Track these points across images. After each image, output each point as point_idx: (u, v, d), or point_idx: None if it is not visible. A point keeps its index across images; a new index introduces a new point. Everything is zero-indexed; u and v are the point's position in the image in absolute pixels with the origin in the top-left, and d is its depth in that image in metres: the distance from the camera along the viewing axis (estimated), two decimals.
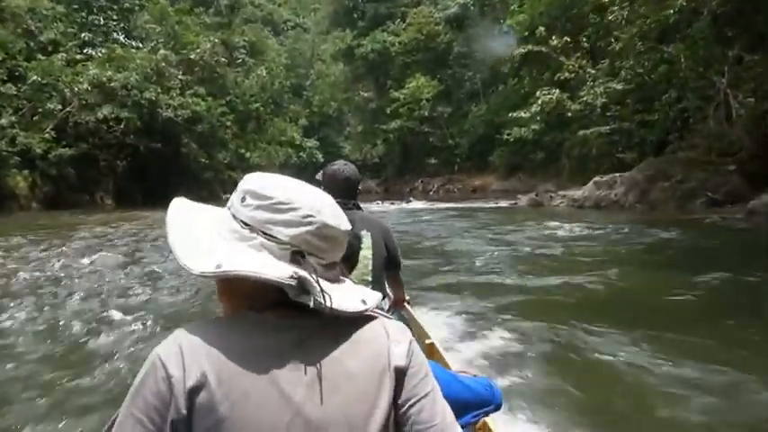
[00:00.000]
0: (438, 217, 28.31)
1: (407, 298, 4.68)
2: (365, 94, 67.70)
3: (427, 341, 4.28)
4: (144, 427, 1.26)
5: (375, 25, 66.65)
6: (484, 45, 53.90)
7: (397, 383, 1.40)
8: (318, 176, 4.20)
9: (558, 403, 5.82)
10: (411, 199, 37.18)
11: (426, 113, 58.01)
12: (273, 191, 1.41)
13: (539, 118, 38.52)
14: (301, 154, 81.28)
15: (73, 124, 38.62)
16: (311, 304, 1.32)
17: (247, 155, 67.21)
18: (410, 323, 4.65)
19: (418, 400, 1.41)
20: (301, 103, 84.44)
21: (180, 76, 42.48)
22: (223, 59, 45.81)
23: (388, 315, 1.55)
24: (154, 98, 39.82)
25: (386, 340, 1.42)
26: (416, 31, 61.38)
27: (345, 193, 4.01)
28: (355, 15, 70.47)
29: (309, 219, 1.38)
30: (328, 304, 1.32)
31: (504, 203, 35.20)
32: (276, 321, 1.35)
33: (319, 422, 1.31)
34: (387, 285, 4.37)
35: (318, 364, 1.34)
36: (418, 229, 23.06)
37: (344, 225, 1.44)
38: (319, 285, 1.33)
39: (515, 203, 34.28)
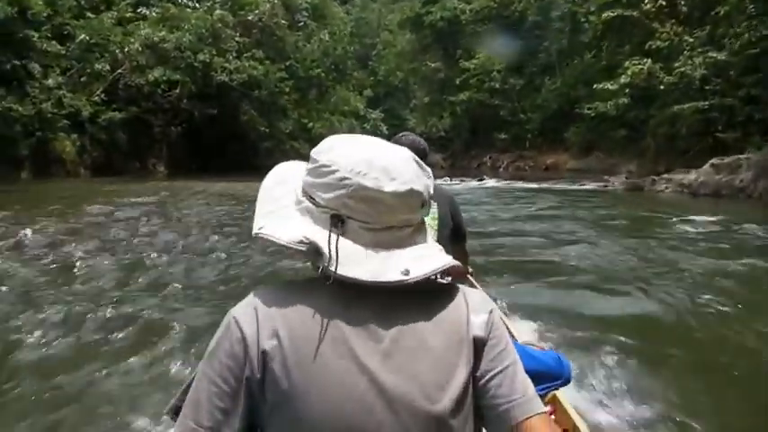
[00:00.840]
0: (521, 201, 24.29)
1: (471, 270, 4.47)
2: (432, 65, 64.03)
3: None
4: (219, 388, 1.28)
5: None
6: (561, 13, 49.83)
7: (476, 354, 1.35)
8: None
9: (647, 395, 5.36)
10: (484, 177, 33.48)
11: (497, 86, 54.40)
12: (321, 154, 1.38)
13: (627, 90, 34.21)
14: (365, 125, 79.52)
15: (124, 87, 36.25)
16: (320, 269, 1.29)
17: (310, 125, 65.47)
18: None
19: (498, 373, 1.36)
20: (367, 73, 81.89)
21: (237, 38, 39.68)
22: (283, 22, 42.66)
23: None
24: (208, 60, 37.21)
25: (465, 310, 1.38)
26: None
27: None
28: None
29: (346, 181, 1.32)
30: (340, 271, 1.28)
31: (591, 185, 31.31)
32: (353, 287, 1.30)
33: (393, 391, 1.27)
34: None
35: (395, 333, 1.31)
36: (503, 218, 19.11)
37: (390, 187, 1.31)
38: (331, 251, 1.28)
39: (606, 186, 30.56)
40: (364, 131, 79.92)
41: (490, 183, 31.62)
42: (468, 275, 4.60)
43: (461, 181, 32.79)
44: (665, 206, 20.93)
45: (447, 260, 1.37)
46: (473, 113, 58.54)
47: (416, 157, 1.40)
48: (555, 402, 2.99)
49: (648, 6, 33.85)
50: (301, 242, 1.31)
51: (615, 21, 37.34)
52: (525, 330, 5.08)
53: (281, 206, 1.41)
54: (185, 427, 1.29)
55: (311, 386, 1.24)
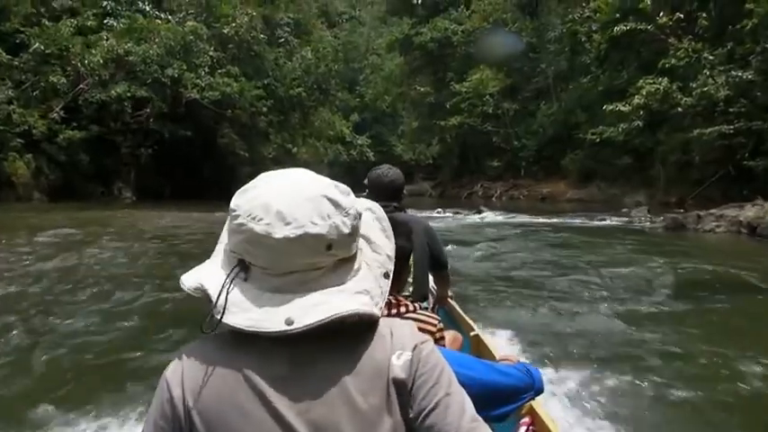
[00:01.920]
0: (541, 243, 18.45)
1: (451, 294, 4.66)
2: (422, 89, 60.30)
3: (472, 333, 4.29)
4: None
5: (436, 12, 59.64)
6: (559, 33, 46.44)
7: (400, 398, 1.30)
8: (366, 181, 4.23)
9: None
10: (482, 209, 28.25)
11: (490, 110, 50.64)
12: (235, 196, 1.37)
13: (641, 113, 30.49)
14: (352, 152, 77.56)
15: (84, 103, 32.16)
16: (208, 317, 1.29)
17: (294, 149, 62.12)
18: (455, 318, 4.80)
19: (430, 411, 1.30)
20: (354, 97, 78.86)
21: (210, 53, 35.83)
22: (262, 36, 38.93)
23: (427, 314, 1.78)
24: (177, 76, 33.18)
25: (388, 352, 1.33)
26: (482, 18, 54.10)
27: (388, 197, 4.03)
28: (415, 1, 63.13)
29: (243, 227, 1.31)
30: (225, 319, 1.27)
31: (613, 220, 25.50)
32: (269, 338, 1.28)
33: None
34: (432, 283, 4.59)
35: (315, 384, 1.28)
36: (538, 275, 12.86)
37: (282, 232, 1.27)
38: (220, 299, 1.28)
39: (631, 221, 25.22)
40: (350, 158, 77.78)
41: (491, 217, 26.62)
42: (449, 299, 4.71)
43: (455, 214, 28.48)
44: (736, 257, 15.13)
45: (344, 307, 1.28)
46: (464, 139, 54.92)
47: (332, 195, 1.33)
48: (532, 413, 2.92)
49: (665, 20, 30.08)
50: (197, 289, 1.32)
51: (622, 38, 33.69)
52: (503, 345, 5.05)
53: (220, 248, 1.41)
54: None
55: None
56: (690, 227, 20.88)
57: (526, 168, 50.45)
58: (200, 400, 1.27)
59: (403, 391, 1.30)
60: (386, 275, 1.44)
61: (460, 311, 4.94)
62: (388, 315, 2.29)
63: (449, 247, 11.20)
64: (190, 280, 1.34)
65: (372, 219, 1.53)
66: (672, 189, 32.91)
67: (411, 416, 1.30)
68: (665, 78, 29.28)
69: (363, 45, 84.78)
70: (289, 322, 1.25)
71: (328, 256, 1.32)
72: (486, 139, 52.57)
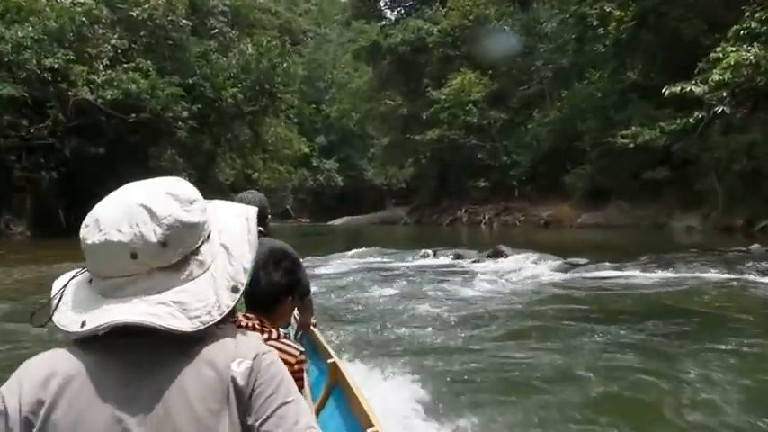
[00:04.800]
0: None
1: (314, 322, 4.46)
2: (392, 102, 50.46)
3: (329, 360, 4.15)
4: None
5: (407, 13, 50.22)
6: (559, 25, 36.98)
7: (239, 404, 1.29)
8: None
9: None
10: (503, 249, 16.31)
11: (475, 120, 40.82)
12: None
13: (724, 95, 20.65)
14: (318, 177, 69.71)
15: None
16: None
17: (255, 175, 52.98)
18: (316, 345, 4.62)
19: (266, 420, 1.29)
20: (320, 120, 70.27)
21: (113, 41, 25.65)
22: (185, 22, 28.69)
23: (291, 343, 1.75)
24: (58, 67, 23.13)
25: (229, 360, 1.30)
26: (461, 15, 44.57)
27: None
28: (383, 2, 53.74)
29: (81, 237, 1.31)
30: (54, 318, 1.30)
31: (750, 273, 12.47)
32: (119, 342, 1.28)
33: None
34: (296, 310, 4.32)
35: (152, 389, 1.26)
36: None
37: (92, 239, 1.27)
38: (53, 300, 1.32)
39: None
40: (317, 183, 68.79)
41: (528, 266, 14.42)
42: (312, 327, 4.49)
43: (457, 259, 16.58)
44: None
45: (121, 316, 1.24)
46: (443, 156, 45.43)
47: (151, 204, 1.28)
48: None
49: None
50: (51, 288, 1.35)
51: (656, 11, 23.97)
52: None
53: None
54: None
55: None
56: None
57: (519, 188, 40.81)
58: (43, 409, 1.23)
59: (242, 397, 1.28)
60: (234, 289, 1.36)
61: (321, 339, 4.61)
62: None
63: None
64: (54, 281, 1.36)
65: (242, 228, 1.44)
66: (735, 208, 23.45)
67: (249, 422, 1.28)
68: (755, 44, 19.47)
69: (329, 62, 76.18)
70: (82, 324, 1.25)
71: (136, 265, 1.28)
72: (470, 154, 43.20)
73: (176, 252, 1.31)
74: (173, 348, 1.28)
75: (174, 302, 1.28)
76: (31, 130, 26.42)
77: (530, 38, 42.44)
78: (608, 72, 32.61)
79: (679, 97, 22.87)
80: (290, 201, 68.34)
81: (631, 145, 25.84)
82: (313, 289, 4.44)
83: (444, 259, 16.70)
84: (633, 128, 26.00)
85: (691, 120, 22.51)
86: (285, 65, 32.74)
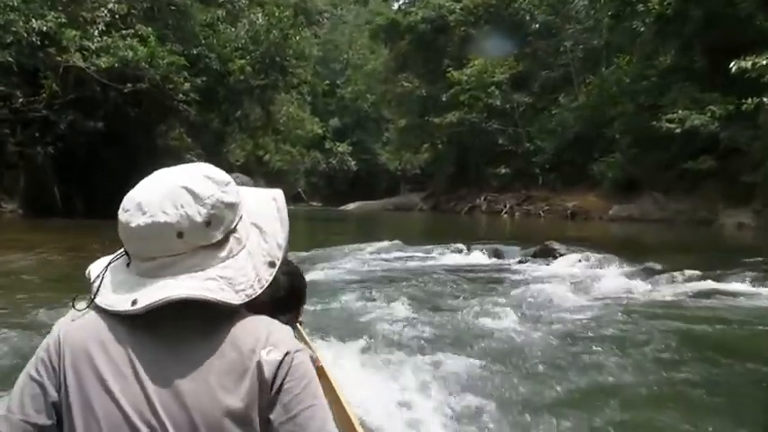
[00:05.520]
0: None
1: (300, 319, 3.67)
2: (409, 85, 47.61)
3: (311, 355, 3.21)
4: (33, 378, 1.33)
5: None
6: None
7: (261, 394, 1.28)
8: None
9: None
10: (554, 246, 13.00)
11: (498, 103, 37.91)
12: None
13: None
14: (331, 160, 67.64)
15: None
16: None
17: (266, 157, 49.87)
18: (300, 340, 3.02)
19: (291, 418, 1.28)
20: (334, 102, 67.95)
21: (111, 5, 23.12)
22: None
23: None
24: (48, 30, 20.65)
25: (259, 346, 1.31)
26: None
27: None
28: None
29: (118, 218, 1.34)
30: (96, 300, 1.33)
31: None
32: (151, 320, 1.30)
33: (167, 417, 1.25)
34: None
35: (173, 360, 1.29)
36: None
37: (136, 221, 1.30)
38: (95, 281, 1.35)
39: None
40: (330, 166, 66.49)
41: (590, 272, 11.04)
42: (298, 324, 3.72)
43: (497, 258, 13.36)
44: None
45: (176, 292, 1.27)
46: (462, 140, 42.78)
47: (192, 185, 1.32)
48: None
49: None
50: (88, 273, 1.38)
51: None
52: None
53: None
54: None
55: (87, 411, 1.26)
56: None
57: (542, 176, 38.28)
58: (73, 338, 1.30)
59: (265, 389, 1.27)
60: (270, 264, 1.41)
61: (306, 338, 3.96)
62: None
63: None
64: (89, 267, 1.40)
65: (271, 208, 1.48)
66: None
67: (270, 417, 1.28)
68: None
69: (345, 44, 73.66)
70: (133, 303, 1.28)
71: (183, 244, 1.31)
72: (490, 140, 40.92)
73: (219, 230, 1.34)
74: (201, 328, 1.30)
75: (221, 277, 1.31)
76: (20, 100, 23.97)
77: (557, 18, 39.67)
78: (647, 52, 29.84)
79: (729, 81, 20.40)
80: (302, 184, 66.10)
81: (678, 130, 23.28)
82: (331, 299, 4.71)
83: (481, 257, 13.42)
84: (680, 111, 23.33)
85: (750, 102, 19.67)
86: (298, 37, 29.95)
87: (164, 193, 1.30)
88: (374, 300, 8.38)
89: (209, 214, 1.31)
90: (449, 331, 6.80)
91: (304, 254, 12.62)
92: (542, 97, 40.79)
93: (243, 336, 1.30)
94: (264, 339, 1.31)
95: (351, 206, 54.03)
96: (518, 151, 39.62)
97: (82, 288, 1.39)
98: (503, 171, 39.54)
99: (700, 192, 26.33)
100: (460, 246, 13.97)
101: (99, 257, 1.38)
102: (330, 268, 11.76)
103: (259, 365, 1.27)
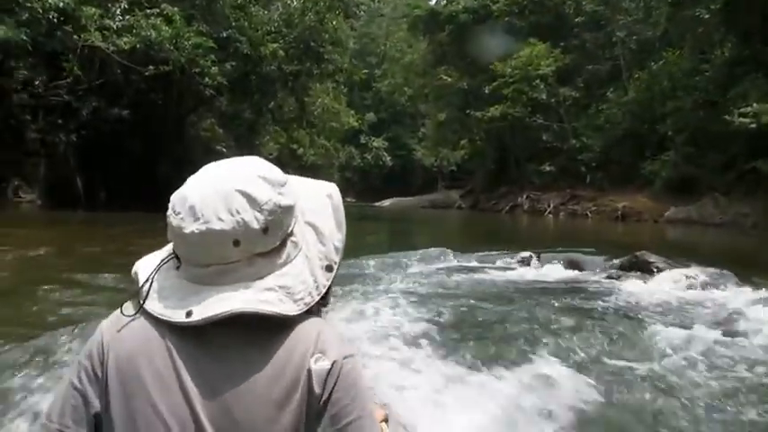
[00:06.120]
0: None
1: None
2: (449, 79, 45.23)
3: None
4: (75, 386, 1.27)
5: None
6: None
7: (309, 406, 1.23)
8: None
9: None
10: (649, 260, 9.74)
11: (543, 97, 35.58)
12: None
13: None
14: (366, 155, 66.45)
15: None
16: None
17: (299, 150, 50.71)
18: None
19: (340, 430, 1.23)
20: (370, 96, 66.38)
21: None
22: None
23: None
24: (66, 6, 18.92)
25: (309, 353, 1.25)
26: None
27: None
28: None
29: (168, 220, 1.28)
30: (146, 305, 1.26)
31: None
32: (199, 328, 1.24)
33: (214, 427, 1.21)
34: None
35: (222, 370, 1.23)
36: None
37: (190, 228, 1.23)
38: (144, 286, 1.28)
39: None
40: (365, 162, 65.02)
41: (713, 295, 8.15)
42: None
43: (573, 270, 10.48)
44: None
45: (236, 306, 1.21)
46: (502, 136, 40.66)
47: (248, 189, 1.24)
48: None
49: None
50: (135, 274, 1.32)
51: None
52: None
53: None
54: None
55: (130, 424, 1.21)
56: None
57: (589, 175, 35.70)
58: (118, 345, 1.24)
59: (313, 400, 1.23)
60: (328, 268, 1.34)
61: None
62: None
63: None
64: (135, 265, 1.34)
65: (327, 206, 1.41)
66: None
67: (319, 429, 1.23)
68: None
69: (382, 36, 71.75)
70: (188, 314, 1.22)
71: (239, 252, 1.25)
72: (533, 136, 39.01)
73: (276, 237, 1.28)
74: (253, 338, 1.24)
75: (279, 287, 1.26)
76: (40, 84, 22.31)
77: (608, 8, 37.19)
78: (711, 42, 27.39)
79: None
80: (336, 179, 64.52)
81: (753, 125, 20.78)
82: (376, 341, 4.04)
83: (556, 270, 10.51)
84: (754, 105, 20.95)
85: None
86: (335, 22, 27.73)
87: (218, 197, 1.23)
88: (436, 342, 5.52)
89: (267, 220, 1.24)
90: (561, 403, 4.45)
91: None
92: (589, 92, 38.40)
93: (295, 344, 1.23)
94: (314, 346, 1.24)
95: (386, 202, 52.59)
96: (563, 148, 37.19)
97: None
98: (546, 169, 37.14)
99: (762, 194, 23.96)
100: (527, 255, 11.08)
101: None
102: (371, 285, 8.62)
103: (309, 375, 1.21)
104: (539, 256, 11.04)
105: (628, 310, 7.33)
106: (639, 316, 6.91)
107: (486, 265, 10.92)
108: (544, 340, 5.53)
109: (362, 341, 5.33)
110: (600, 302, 7.69)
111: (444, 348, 5.30)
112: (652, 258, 9.93)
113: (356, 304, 6.87)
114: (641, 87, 33.84)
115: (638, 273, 9.67)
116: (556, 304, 7.34)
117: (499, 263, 11.01)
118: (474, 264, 11.06)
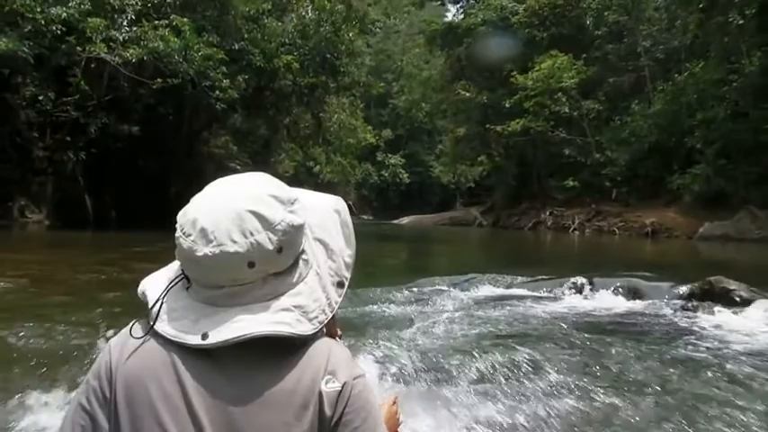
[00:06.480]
0: None
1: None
2: (467, 94, 43.92)
3: None
4: (83, 408, 1.24)
5: None
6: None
7: (321, 425, 1.20)
8: None
9: None
10: (731, 288, 7.79)
11: (566, 110, 34.22)
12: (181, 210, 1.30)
13: None
14: (383, 172, 65.47)
15: None
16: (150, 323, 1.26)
17: (316, 168, 50.71)
18: None
19: None
20: (386, 113, 65.54)
21: None
22: None
23: None
24: (70, 18, 17.91)
25: (320, 374, 1.22)
26: None
27: None
28: None
29: (177, 241, 1.24)
30: (156, 326, 1.22)
31: None
32: (211, 348, 1.22)
33: None
34: None
35: (232, 392, 1.20)
36: None
37: (203, 250, 1.20)
38: (155, 307, 1.25)
39: None
40: (381, 179, 63.95)
41: None
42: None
43: (634, 300, 8.43)
44: None
45: (252, 329, 1.18)
46: (522, 152, 39.74)
47: (259, 209, 1.21)
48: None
49: None
50: (142, 294, 1.30)
51: None
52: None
53: None
54: None
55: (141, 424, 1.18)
56: None
57: (614, 190, 34.29)
58: (126, 366, 1.21)
59: (324, 422, 1.20)
60: (340, 284, 1.33)
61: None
62: None
63: None
64: (141, 284, 1.31)
65: (335, 222, 1.39)
66: None
67: None
68: None
69: (398, 53, 70.79)
70: (204, 337, 1.19)
71: (253, 273, 1.22)
72: (555, 150, 37.76)
73: (290, 256, 1.26)
74: (265, 358, 1.21)
75: (295, 307, 1.24)
76: (45, 100, 21.24)
77: (630, 20, 35.89)
78: (741, 51, 26.06)
79: None
80: (353, 196, 63.53)
81: None
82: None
83: (614, 299, 8.63)
84: None
85: None
86: (351, 33, 26.47)
87: (229, 219, 1.19)
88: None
89: (281, 240, 1.22)
90: None
91: (356, 291, 8.16)
92: (611, 104, 37.06)
93: (306, 365, 1.21)
94: (324, 367, 1.22)
95: (404, 220, 51.53)
96: (587, 162, 35.77)
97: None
98: (570, 184, 35.69)
99: None
100: (580, 282, 9.09)
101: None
102: (395, 328, 6.47)
103: (320, 396, 1.19)
104: (591, 283, 9.16)
105: (727, 356, 5.51)
106: (747, 365, 5.08)
107: (530, 293, 9.14)
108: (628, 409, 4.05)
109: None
110: (686, 345, 5.91)
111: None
112: (732, 285, 8.08)
113: (380, 352, 5.31)
114: (666, 99, 32.63)
115: (716, 302, 7.85)
116: (630, 347, 5.60)
117: (544, 291, 9.26)
118: (514, 291, 9.32)
